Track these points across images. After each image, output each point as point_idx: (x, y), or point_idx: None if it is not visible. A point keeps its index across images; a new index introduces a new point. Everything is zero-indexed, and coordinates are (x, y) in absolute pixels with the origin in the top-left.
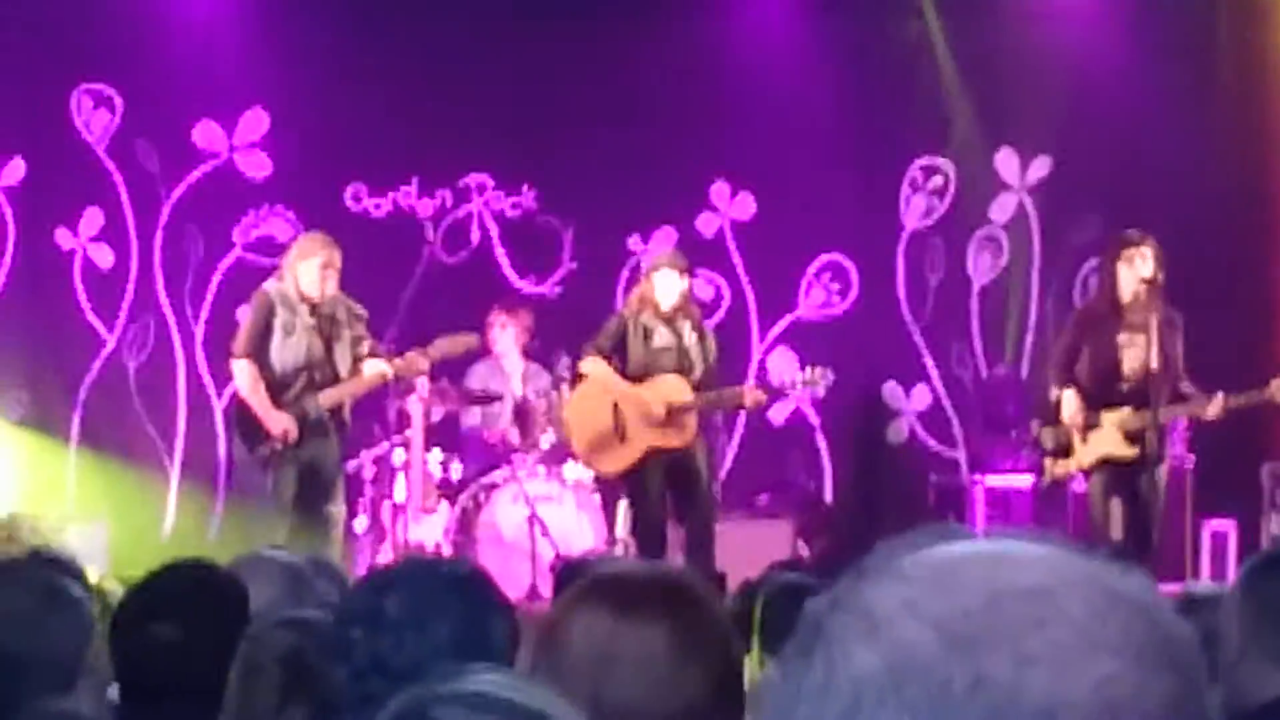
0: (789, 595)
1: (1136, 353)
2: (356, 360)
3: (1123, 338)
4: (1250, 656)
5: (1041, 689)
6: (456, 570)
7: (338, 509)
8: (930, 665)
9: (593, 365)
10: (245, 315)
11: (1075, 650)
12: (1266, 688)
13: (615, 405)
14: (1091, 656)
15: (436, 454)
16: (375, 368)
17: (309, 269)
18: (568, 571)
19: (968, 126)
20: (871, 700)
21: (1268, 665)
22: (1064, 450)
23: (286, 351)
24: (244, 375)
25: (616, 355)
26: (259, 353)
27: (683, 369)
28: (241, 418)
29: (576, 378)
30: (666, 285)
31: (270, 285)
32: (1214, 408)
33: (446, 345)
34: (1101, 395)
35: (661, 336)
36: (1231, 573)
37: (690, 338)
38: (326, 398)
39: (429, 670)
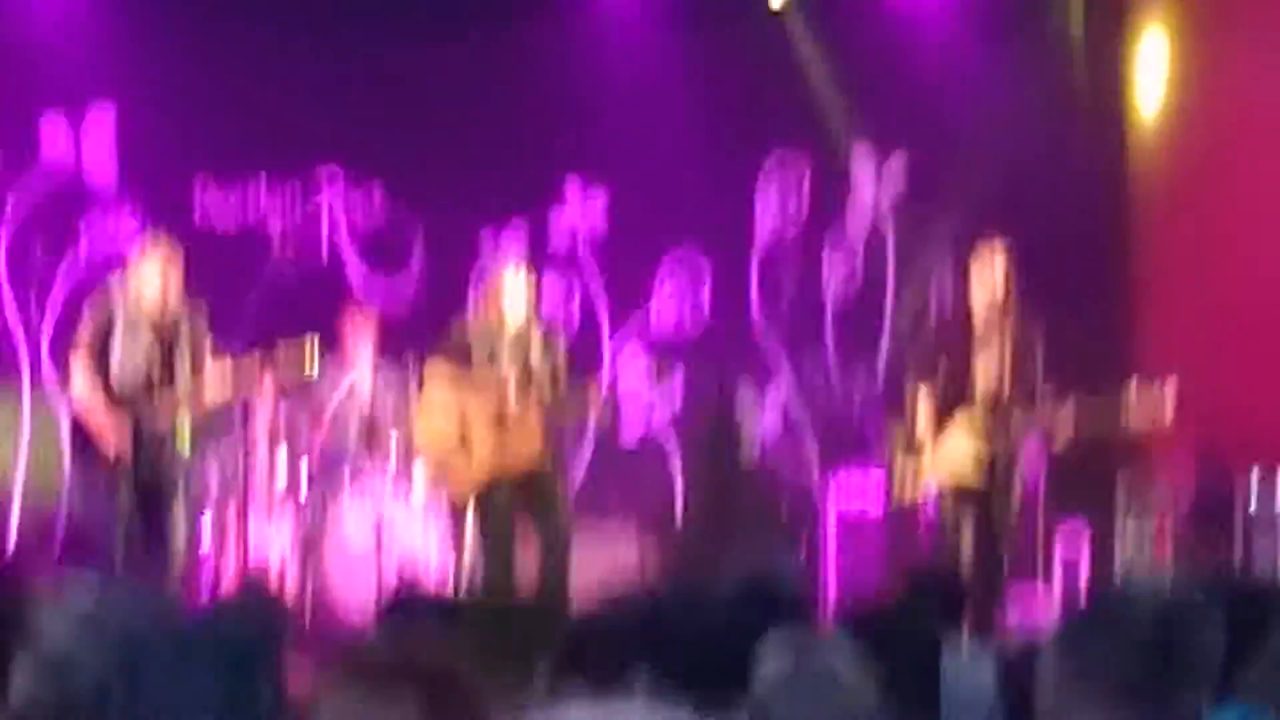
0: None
1: (990, 363)
2: (199, 367)
3: (976, 347)
4: (1067, 711)
5: None
6: (224, 631)
7: (179, 518)
8: None
9: (438, 373)
10: (86, 318)
11: None
12: None
13: (462, 417)
14: None
15: (281, 457)
16: (218, 376)
17: (151, 274)
18: (398, 600)
19: (824, 123)
20: None
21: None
22: (914, 463)
23: (127, 358)
24: (81, 379)
25: (464, 363)
26: (98, 358)
27: (531, 379)
28: (76, 426)
29: (423, 385)
30: (511, 292)
31: (112, 289)
32: (1062, 421)
33: (290, 351)
34: (955, 406)
35: (509, 347)
36: (1084, 576)
37: (538, 348)
38: (169, 407)
39: None
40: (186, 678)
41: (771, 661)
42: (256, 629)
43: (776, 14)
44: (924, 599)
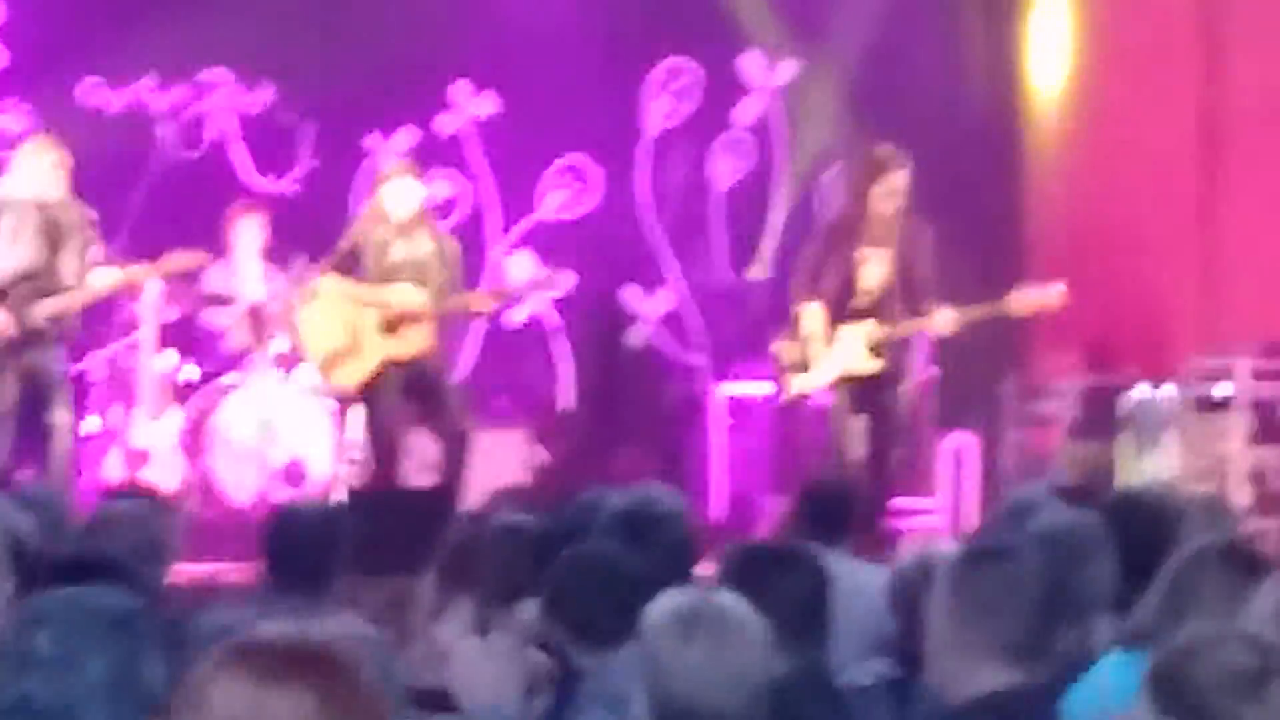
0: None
1: (879, 268)
2: (85, 267)
3: (866, 252)
4: (957, 650)
5: None
6: (113, 607)
7: (62, 417)
8: None
9: (326, 281)
10: None
11: None
12: (973, 682)
13: (348, 315)
14: None
15: (168, 356)
16: (104, 277)
17: (36, 170)
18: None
19: (714, 26)
20: None
21: (974, 659)
22: (802, 366)
23: (8, 256)
24: None
25: (352, 269)
26: None
27: (422, 279)
28: None
29: (311, 290)
30: (399, 195)
31: None
32: (944, 321)
33: (177, 259)
34: (843, 309)
35: (398, 249)
36: (972, 488)
37: (428, 247)
38: (51, 305)
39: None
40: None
41: (660, 604)
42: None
43: None
44: (813, 518)
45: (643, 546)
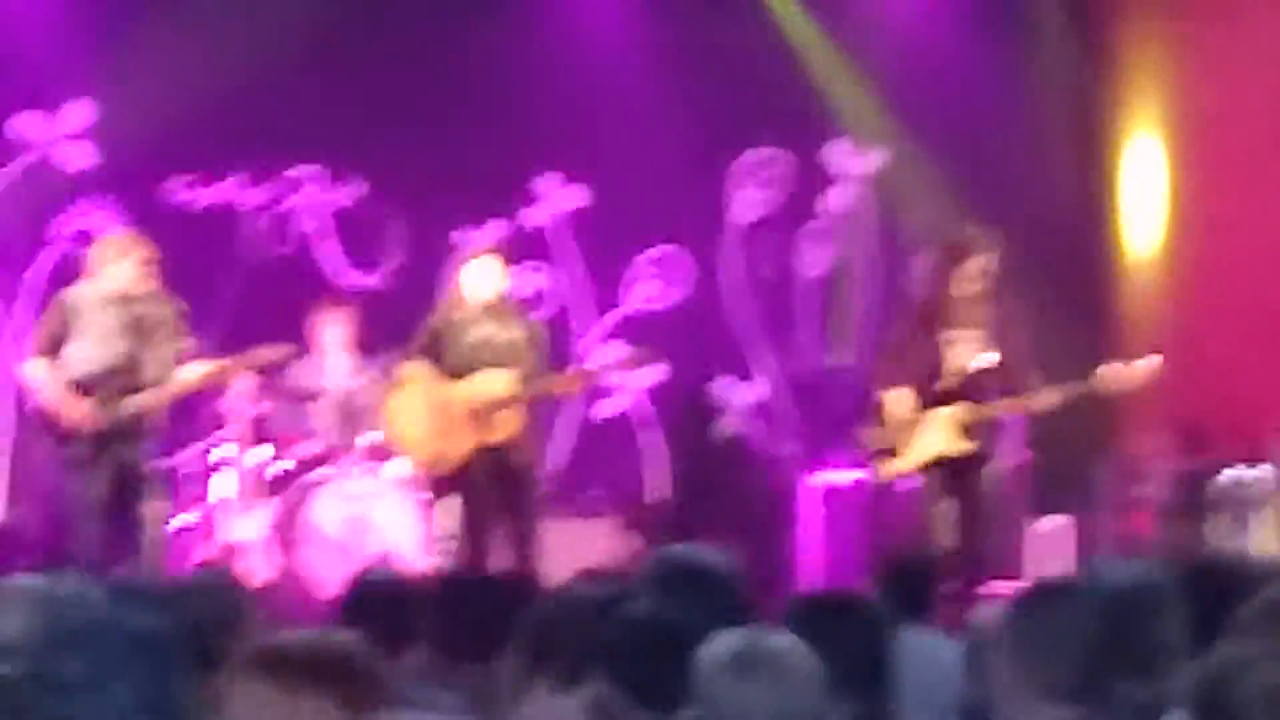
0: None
1: (966, 349)
2: (174, 361)
3: (953, 334)
4: (1016, 689)
5: None
6: (140, 630)
7: (153, 510)
8: None
9: (411, 368)
10: (42, 316)
11: None
12: None
13: (436, 403)
14: None
15: (258, 451)
16: (193, 371)
17: (121, 267)
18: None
19: (801, 116)
20: None
21: (1033, 699)
22: (891, 450)
23: (91, 354)
24: (38, 373)
25: (436, 354)
26: (53, 352)
27: (505, 363)
28: (45, 419)
29: (398, 378)
30: (479, 279)
31: (72, 289)
32: (1036, 401)
33: (265, 354)
34: (931, 392)
35: (479, 331)
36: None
37: (511, 331)
38: (140, 400)
39: None
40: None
41: (716, 644)
42: (215, 611)
43: (756, 8)
44: (891, 587)
45: (695, 604)
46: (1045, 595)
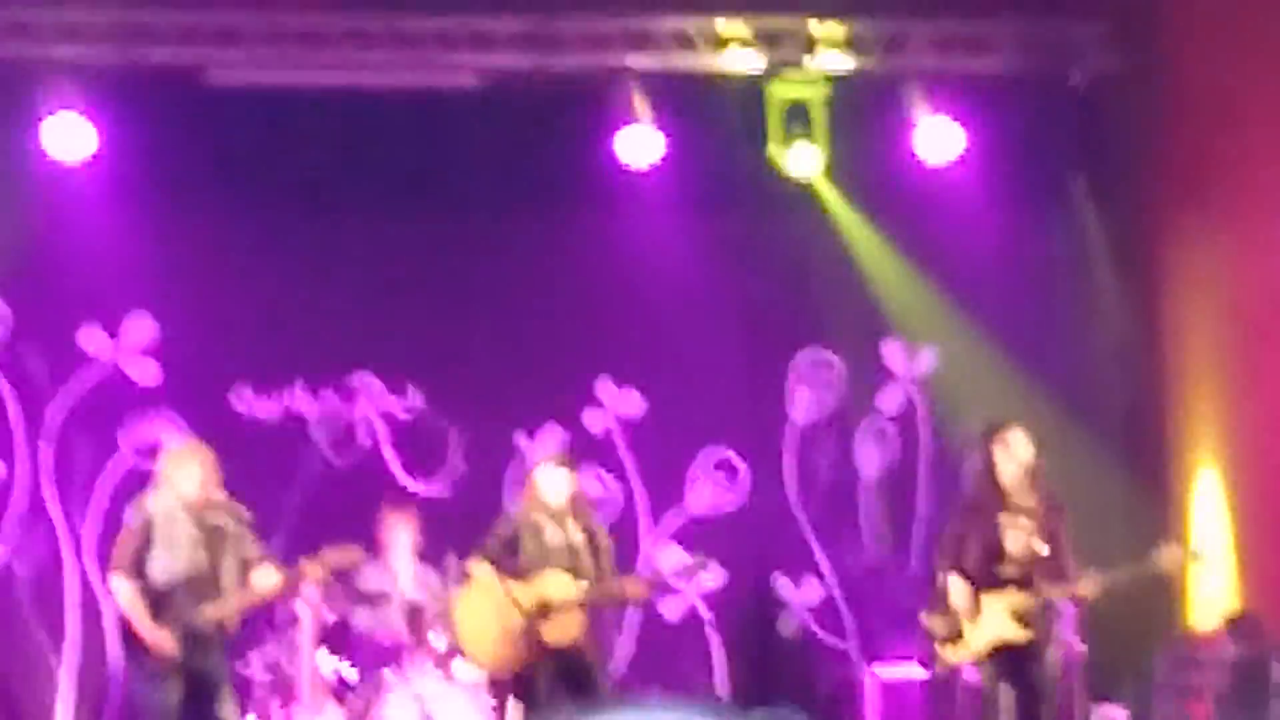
0: None
1: (1020, 535)
2: (244, 568)
3: (1005, 520)
4: None
5: None
6: None
7: (227, 712)
8: None
9: (479, 568)
10: (123, 530)
11: None
12: None
13: (502, 607)
14: None
15: (326, 655)
16: (263, 579)
17: (189, 478)
18: None
19: (854, 318)
20: None
21: None
22: (954, 637)
23: (170, 564)
24: (123, 592)
25: (508, 555)
26: (137, 566)
27: (573, 567)
28: (126, 633)
29: (465, 580)
30: (552, 483)
31: (148, 498)
32: (1091, 585)
33: (334, 557)
34: (987, 579)
35: (552, 535)
36: None
37: (579, 535)
38: (214, 610)
39: None
40: None
41: None
42: None
43: (805, 212)
44: None
45: None
46: None
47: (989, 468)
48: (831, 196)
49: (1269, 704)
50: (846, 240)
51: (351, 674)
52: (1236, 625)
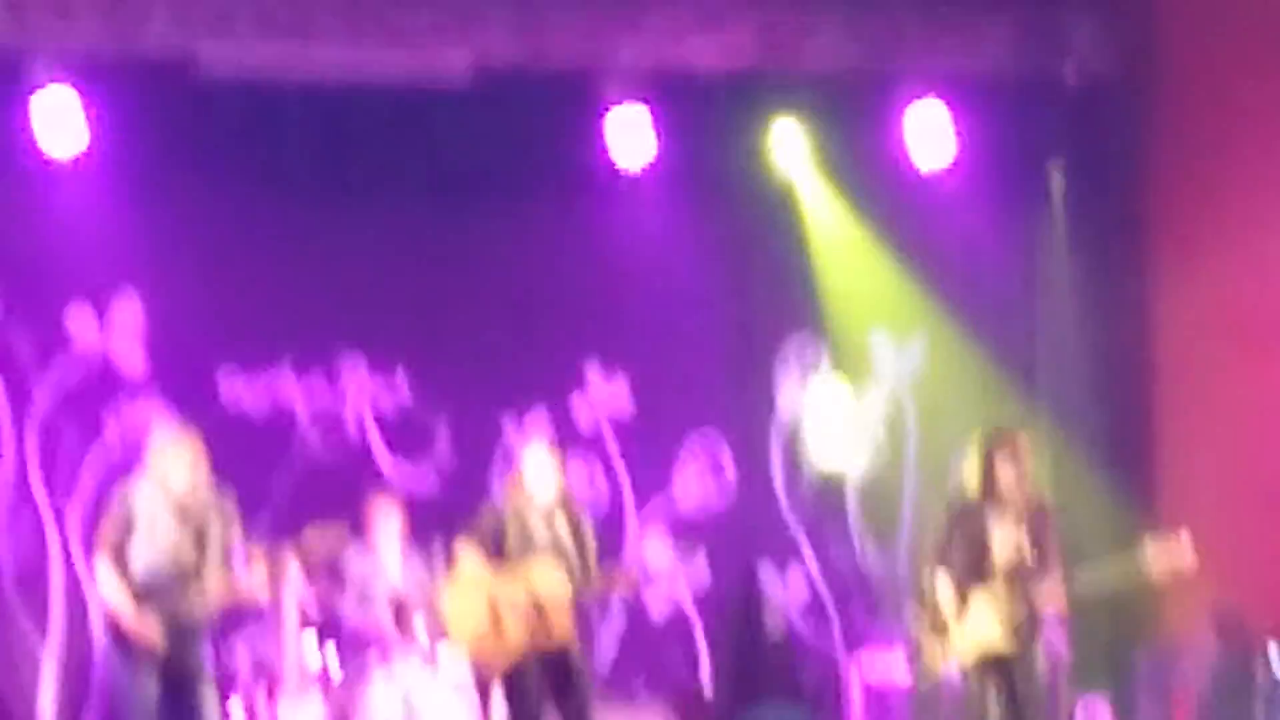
0: None
1: (1007, 536)
2: (227, 555)
3: (993, 521)
4: None
5: None
6: None
7: (207, 702)
8: None
9: (466, 555)
10: (108, 514)
11: None
12: None
13: (491, 598)
14: None
15: (310, 641)
16: (247, 560)
17: (176, 468)
18: None
19: (842, 310)
20: None
21: None
22: (936, 634)
23: (153, 550)
24: (106, 576)
25: (494, 541)
26: (120, 551)
27: (560, 557)
28: (107, 617)
29: (452, 567)
30: (539, 473)
31: (133, 487)
32: (1075, 585)
33: (318, 538)
34: (974, 579)
35: (538, 529)
36: None
37: (566, 529)
38: (197, 596)
39: None
40: None
41: None
42: None
43: (795, 207)
44: None
45: None
46: None
47: (987, 470)
48: (821, 192)
49: (1252, 702)
50: (835, 236)
51: (335, 661)
52: (1220, 623)
